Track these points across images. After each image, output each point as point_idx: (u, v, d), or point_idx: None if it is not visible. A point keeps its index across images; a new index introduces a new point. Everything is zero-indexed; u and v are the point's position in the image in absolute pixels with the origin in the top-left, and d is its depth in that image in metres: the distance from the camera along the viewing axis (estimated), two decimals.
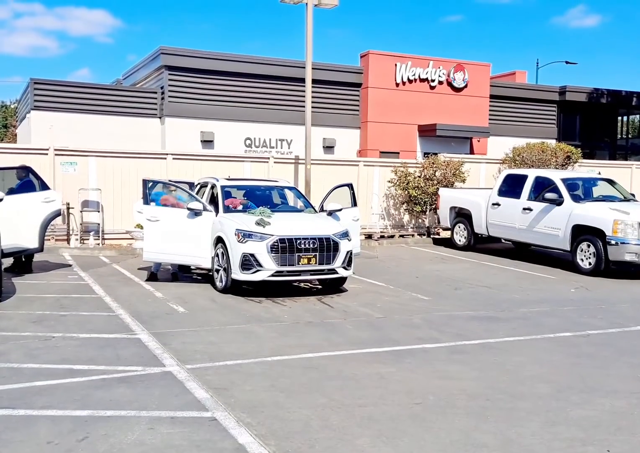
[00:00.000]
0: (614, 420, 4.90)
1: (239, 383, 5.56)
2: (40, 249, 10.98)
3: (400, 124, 23.11)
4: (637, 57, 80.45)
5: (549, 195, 12.80)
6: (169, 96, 20.69)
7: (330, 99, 22.67)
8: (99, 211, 14.81)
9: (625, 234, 11.53)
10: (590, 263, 11.95)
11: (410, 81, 23.19)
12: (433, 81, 23.53)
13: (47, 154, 14.57)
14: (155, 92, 21.30)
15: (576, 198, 12.76)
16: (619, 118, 29.65)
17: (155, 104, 21.16)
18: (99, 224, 14.74)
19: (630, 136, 30.37)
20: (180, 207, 10.27)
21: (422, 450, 4.30)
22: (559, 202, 12.68)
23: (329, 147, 22.55)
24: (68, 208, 14.40)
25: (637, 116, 29.95)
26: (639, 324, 8.17)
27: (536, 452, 4.31)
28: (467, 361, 6.35)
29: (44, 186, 11.25)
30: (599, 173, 16.79)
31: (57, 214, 11.37)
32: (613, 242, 11.57)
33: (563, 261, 13.22)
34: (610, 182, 14.12)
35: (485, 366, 6.22)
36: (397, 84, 23.09)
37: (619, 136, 29.79)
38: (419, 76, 23.31)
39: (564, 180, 13.12)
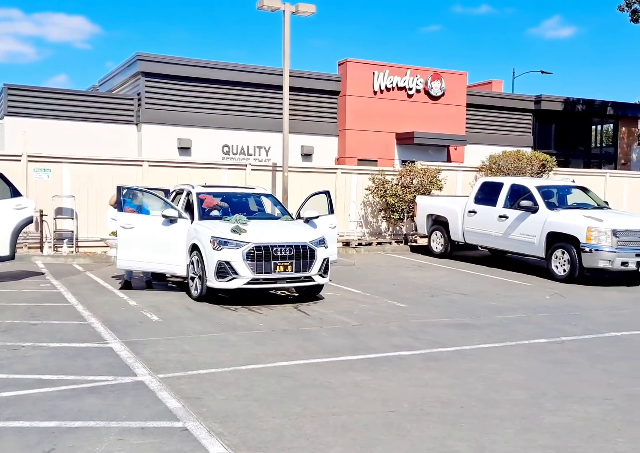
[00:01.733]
0: (587, 426, 4.91)
1: (212, 392, 5.48)
2: (12, 257, 10.79)
3: (378, 132, 23.18)
4: (611, 67, 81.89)
5: (524, 203, 12.91)
6: (146, 103, 20.54)
7: (309, 107, 22.69)
8: (73, 219, 14.60)
9: (598, 241, 11.65)
10: (564, 270, 12.05)
11: (388, 89, 23.31)
12: (410, 89, 23.66)
13: (20, 160, 14.35)
14: (132, 99, 21.13)
15: (551, 206, 12.88)
16: (593, 127, 30.08)
17: (132, 110, 20.99)
18: (73, 231, 14.54)
19: (604, 145, 30.80)
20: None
21: None
22: (534, 210, 12.79)
23: (307, 155, 22.54)
24: (41, 215, 14.18)
25: (611, 125, 30.34)
26: (612, 330, 8.24)
27: None
28: (442, 369, 6.34)
29: (16, 193, 11.06)
30: (573, 181, 16.99)
31: (29, 221, 11.19)
32: (587, 249, 11.68)
33: (538, 268, 13.32)
34: (584, 190, 14.28)
35: (460, 373, 6.21)
36: (375, 92, 23.18)
37: (593, 145, 30.21)
38: (397, 84, 23.43)
39: (539, 188, 13.25)
